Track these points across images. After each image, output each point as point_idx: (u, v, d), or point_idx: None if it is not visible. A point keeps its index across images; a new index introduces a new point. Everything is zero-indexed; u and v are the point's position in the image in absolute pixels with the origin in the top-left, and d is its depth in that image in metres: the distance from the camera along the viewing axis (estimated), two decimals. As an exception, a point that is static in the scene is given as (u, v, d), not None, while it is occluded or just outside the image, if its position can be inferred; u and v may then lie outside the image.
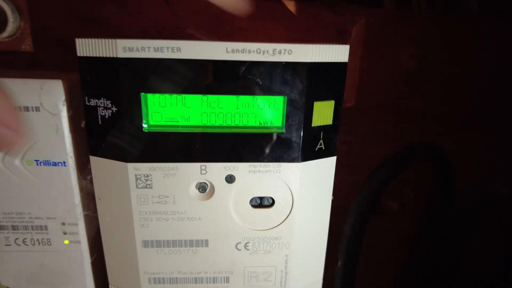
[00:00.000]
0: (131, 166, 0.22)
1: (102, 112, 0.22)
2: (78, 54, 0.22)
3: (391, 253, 0.39)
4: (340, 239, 0.31)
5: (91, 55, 0.21)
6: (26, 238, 0.29)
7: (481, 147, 0.35)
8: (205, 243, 0.25)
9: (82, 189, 0.28)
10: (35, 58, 0.30)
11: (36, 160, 0.27)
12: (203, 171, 0.23)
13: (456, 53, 0.33)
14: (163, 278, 0.26)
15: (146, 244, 0.24)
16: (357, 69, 0.32)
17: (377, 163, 0.32)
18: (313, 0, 0.31)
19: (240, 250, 0.25)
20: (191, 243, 0.25)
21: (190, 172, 0.23)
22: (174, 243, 0.25)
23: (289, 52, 0.21)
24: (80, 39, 0.21)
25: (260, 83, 0.21)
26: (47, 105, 0.25)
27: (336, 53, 0.22)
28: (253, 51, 0.21)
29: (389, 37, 0.32)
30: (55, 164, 0.27)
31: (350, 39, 0.31)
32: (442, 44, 0.32)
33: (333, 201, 0.26)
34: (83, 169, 0.28)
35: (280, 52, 0.21)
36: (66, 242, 0.29)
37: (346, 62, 0.23)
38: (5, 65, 0.30)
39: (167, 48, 0.20)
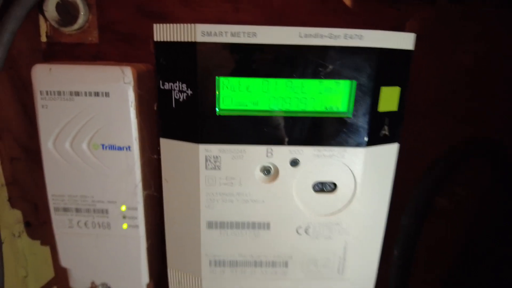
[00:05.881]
0: (202, 147, 0.23)
1: (177, 95, 0.23)
2: (155, 39, 0.23)
3: (437, 256, 0.38)
4: (392, 234, 0.31)
5: (168, 40, 0.22)
6: (87, 221, 0.30)
7: None
8: (266, 226, 0.25)
9: (143, 174, 0.29)
10: (99, 51, 0.32)
11: (102, 145, 0.28)
12: (269, 154, 0.24)
13: (510, 49, 0.33)
14: (223, 261, 0.26)
15: (210, 225, 0.25)
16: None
17: (429, 159, 0.32)
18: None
19: (300, 234, 0.26)
20: (253, 226, 0.25)
21: (257, 154, 0.24)
22: (238, 225, 0.25)
23: (360, 37, 0.22)
24: (157, 24, 0.22)
25: (330, 67, 0.22)
26: (116, 91, 0.27)
27: (403, 40, 0.23)
28: (325, 36, 0.21)
29: (443, 31, 0.32)
30: (120, 148, 0.28)
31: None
32: (496, 39, 0.32)
33: None
34: (144, 153, 0.29)
35: (351, 37, 0.22)
36: (125, 226, 0.30)
37: (412, 50, 0.23)
38: (71, 57, 0.32)
39: (243, 33, 0.21)
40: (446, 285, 0.38)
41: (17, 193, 0.43)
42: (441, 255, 0.38)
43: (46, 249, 0.47)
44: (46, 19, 0.31)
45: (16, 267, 0.45)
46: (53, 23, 0.31)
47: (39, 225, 0.45)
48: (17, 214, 0.44)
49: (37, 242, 0.46)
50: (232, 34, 0.21)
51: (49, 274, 0.48)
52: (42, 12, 0.31)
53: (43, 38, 0.32)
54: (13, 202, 0.44)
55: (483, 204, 0.34)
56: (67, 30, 0.31)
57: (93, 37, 0.31)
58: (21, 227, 0.45)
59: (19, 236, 0.45)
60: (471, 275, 0.37)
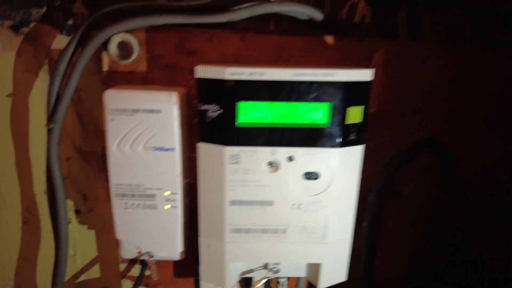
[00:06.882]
0: (227, 148, 0.34)
1: (211, 114, 0.34)
2: (196, 76, 0.34)
3: (405, 234, 0.49)
4: (363, 211, 0.42)
5: (206, 77, 0.33)
6: (139, 204, 0.41)
7: (481, 143, 0.45)
8: (271, 203, 0.36)
9: (183, 167, 0.40)
10: (147, 77, 0.43)
11: (154, 147, 0.39)
12: (273, 153, 0.35)
13: (455, 74, 0.44)
14: (240, 229, 0.37)
15: (232, 203, 0.36)
16: (378, 85, 0.43)
17: (391, 154, 0.43)
18: (346, 35, 0.42)
19: (294, 209, 0.36)
20: (262, 203, 0.36)
21: (264, 153, 0.35)
22: (251, 203, 0.36)
23: (334, 74, 0.33)
24: (199, 66, 0.33)
25: (314, 94, 0.33)
26: (166, 109, 0.38)
27: (365, 74, 0.34)
28: (311, 74, 0.32)
29: (403, 61, 0.43)
30: (166, 149, 0.39)
31: (373, 63, 0.43)
32: (444, 66, 0.43)
33: (362, 185, 0.36)
34: (184, 153, 0.40)
35: (328, 75, 0.32)
36: (167, 207, 0.41)
37: (371, 81, 0.34)
38: (125, 82, 0.43)
39: (256, 73, 0.32)
40: (413, 257, 0.49)
41: (70, 186, 0.54)
42: (407, 233, 0.48)
43: (92, 232, 0.57)
44: (108, 54, 0.42)
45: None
46: (114, 58, 0.42)
47: (87, 212, 0.56)
48: (69, 203, 0.55)
49: (85, 227, 0.57)
50: (249, 74, 0.32)
51: (94, 253, 0.58)
52: (105, 48, 0.42)
53: (105, 68, 0.43)
54: (67, 193, 0.55)
55: (437, 191, 0.45)
56: (124, 62, 0.42)
57: (143, 66, 0.42)
58: (72, 214, 0.56)
59: (70, 221, 0.56)
60: (431, 249, 0.48)
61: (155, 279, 0.44)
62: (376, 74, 0.42)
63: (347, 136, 0.35)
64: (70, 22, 0.47)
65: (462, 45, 0.44)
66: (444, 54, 0.43)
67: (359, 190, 0.38)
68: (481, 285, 0.44)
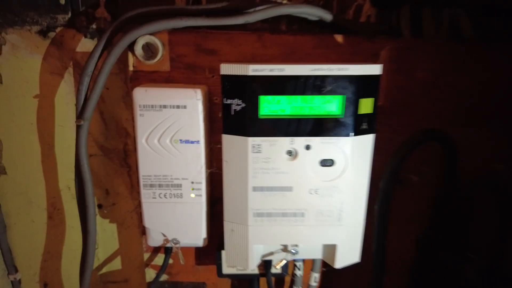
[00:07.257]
0: (250, 139, 0.38)
1: (235, 107, 0.37)
2: (221, 73, 0.37)
3: (413, 218, 0.52)
4: (374, 196, 0.45)
5: (230, 74, 0.36)
6: (166, 193, 0.44)
7: (480, 137, 0.48)
8: (290, 189, 0.39)
9: (207, 158, 0.43)
10: (169, 76, 0.46)
11: (180, 140, 0.42)
12: (292, 142, 0.38)
13: (455, 69, 0.47)
14: (262, 213, 0.40)
15: (255, 189, 0.39)
16: (385, 79, 0.46)
17: (397, 144, 0.46)
18: (354, 34, 0.46)
19: (312, 194, 0.40)
20: (282, 189, 0.39)
21: (284, 142, 0.38)
22: (272, 188, 0.39)
23: (347, 69, 0.36)
24: (223, 64, 0.37)
25: (329, 87, 0.36)
26: (191, 104, 0.41)
27: (374, 69, 0.37)
28: (326, 69, 0.36)
29: (407, 57, 0.46)
30: (192, 142, 0.42)
31: (380, 59, 0.46)
32: (445, 62, 0.46)
33: (372, 173, 0.40)
34: (208, 145, 0.43)
35: (341, 69, 0.36)
36: (193, 196, 0.44)
37: (380, 74, 0.37)
38: (149, 81, 0.46)
39: (276, 69, 0.36)
40: (420, 241, 0.52)
41: (93, 182, 0.57)
42: (414, 217, 0.51)
43: (113, 226, 0.60)
44: (133, 55, 0.45)
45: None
46: (139, 58, 0.45)
47: (108, 206, 0.59)
48: (93, 198, 0.58)
49: (107, 221, 0.60)
50: (270, 70, 0.36)
51: (115, 246, 0.61)
52: (131, 50, 0.45)
53: (131, 68, 0.46)
54: (90, 188, 0.57)
55: (442, 178, 0.48)
56: (148, 62, 0.45)
57: (166, 66, 0.46)
58: (95, 208, 0.59)
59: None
60: (436, 233, 0.51)
61: (182, 263, 0.47)
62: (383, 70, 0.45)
63: (360, 125, 0.38)
64: (94, 26, 0.50)
65: (462, 43, 0.47)
66: (445, 52, 0.46)
67: (370, 176, 0.41)
68: (483, 271, 0.47)
